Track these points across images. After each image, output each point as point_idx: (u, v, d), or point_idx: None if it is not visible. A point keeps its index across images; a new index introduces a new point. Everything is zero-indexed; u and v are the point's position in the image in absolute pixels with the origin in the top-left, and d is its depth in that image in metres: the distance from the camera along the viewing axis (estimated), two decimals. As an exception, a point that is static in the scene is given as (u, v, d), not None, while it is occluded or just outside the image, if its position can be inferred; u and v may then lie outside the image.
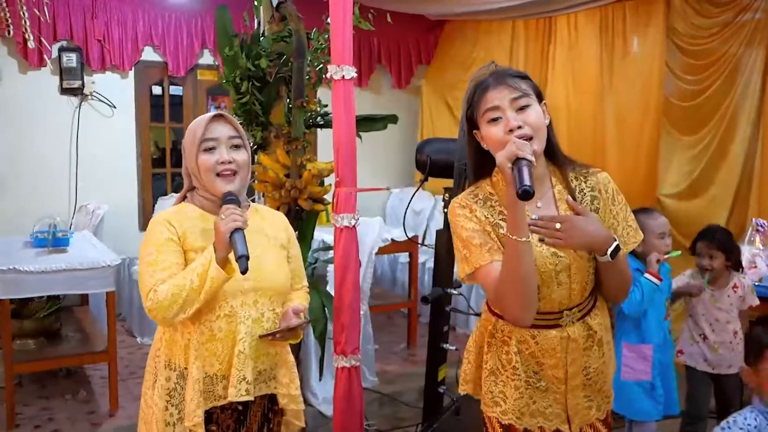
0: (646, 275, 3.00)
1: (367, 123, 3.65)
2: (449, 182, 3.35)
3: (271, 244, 2.08)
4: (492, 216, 1.81)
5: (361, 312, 3.97)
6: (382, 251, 4.72)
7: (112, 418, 3.92)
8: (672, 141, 5.18)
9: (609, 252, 1.76)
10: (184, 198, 2.10)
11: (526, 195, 1.58)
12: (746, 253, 3.96)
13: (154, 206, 5.99)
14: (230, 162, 1.97)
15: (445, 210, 3.39)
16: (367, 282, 4.29)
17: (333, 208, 2.94)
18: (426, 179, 3.40)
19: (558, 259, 1.77)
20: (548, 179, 1.85)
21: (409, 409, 4.09)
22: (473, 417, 3.62)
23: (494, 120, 1.75)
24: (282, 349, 2.09)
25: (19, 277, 3.68)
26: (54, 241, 4.24)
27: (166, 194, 6.10)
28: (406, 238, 3.90)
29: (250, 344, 1.94)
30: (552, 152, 1.85)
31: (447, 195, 3.34)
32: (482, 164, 1.88)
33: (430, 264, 5.55)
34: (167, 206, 6.51)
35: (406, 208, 3.75)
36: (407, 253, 5.51)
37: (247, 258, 1.78)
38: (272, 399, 2.10)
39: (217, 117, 2.01)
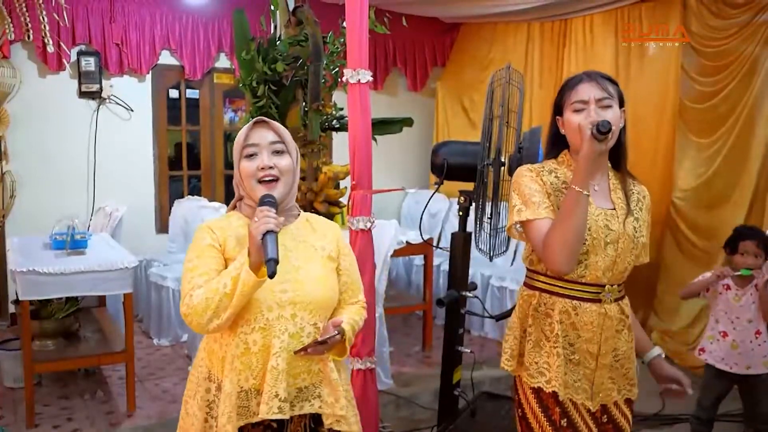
0: None
1: (383, 126, 3.67)
2: (465, 185, 3.35)
3: (318, 255, 1.99)
4: (555, 183, 2.08)
5: (377, 314, 3.99)
6: (397, 253, 4.72)
7: (130, 418, 3.96)
8: (686, 143, 5.15)
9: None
10: (235, 208, 2.04)
11: (603, 128, 1.89)
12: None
13: (170, 208, 6.03)
14: (271, 167, 1.90)
15: (460, 213, 3.40)
16: (382, 284, 4.30)
17: (349, 211, 2.96)
18: (442, 182, 3.40)
19: (609, 231, 2.02)
20: (607, 173, 2.13)
21: (424, 411, 4.10)
22: (488, 419, 3.63)
23: (579, 111, 2.03)
24: (325, 366, 1.96)
25: (38, 279, 3.72)
26: (72, 242, 4.28)
27: (182, 197, 6.14)
28: (422, 241, 3.91)
29: (285, 359, 1.86)
30: (616, 155, 2.11)
31: (462, 198, 3.35)
32: (555, 145, 2.17)
33: (445, 266, 5.56)
34: (184, 208, 6.46)
35: (423, 211, 3.75)
36: (422, 256, 5.52)
37: (276, 262, 1.70)
38: (316, 419, 1.98)
39: (259, 123, 1.95)
